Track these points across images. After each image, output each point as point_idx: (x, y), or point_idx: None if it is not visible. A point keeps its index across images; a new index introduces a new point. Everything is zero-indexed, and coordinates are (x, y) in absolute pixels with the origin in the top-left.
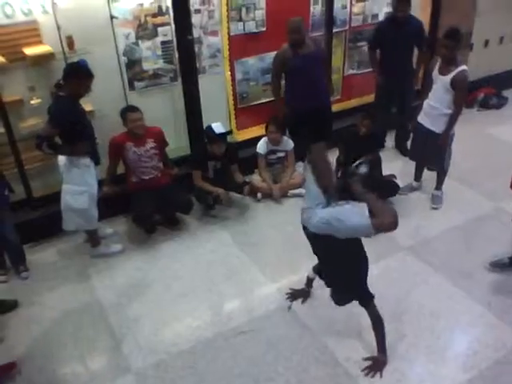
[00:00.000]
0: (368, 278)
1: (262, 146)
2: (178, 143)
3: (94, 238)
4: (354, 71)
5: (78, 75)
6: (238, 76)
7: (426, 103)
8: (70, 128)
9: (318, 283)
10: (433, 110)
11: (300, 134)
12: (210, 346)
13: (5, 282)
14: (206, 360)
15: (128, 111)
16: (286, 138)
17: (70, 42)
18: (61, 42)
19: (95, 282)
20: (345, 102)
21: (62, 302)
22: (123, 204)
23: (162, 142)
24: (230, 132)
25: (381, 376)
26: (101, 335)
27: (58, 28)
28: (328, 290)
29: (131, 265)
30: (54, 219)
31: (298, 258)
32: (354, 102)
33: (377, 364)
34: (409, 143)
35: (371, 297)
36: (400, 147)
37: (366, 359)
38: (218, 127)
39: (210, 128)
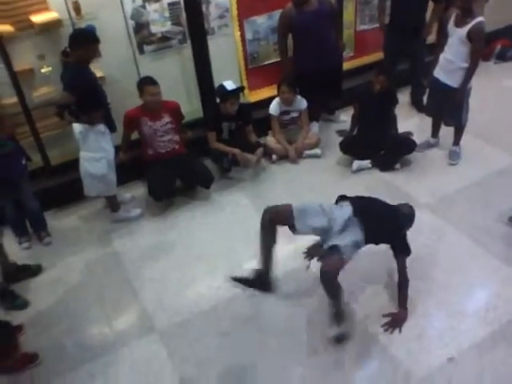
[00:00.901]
0: None
1: (274, 107)
2: (189, 106)
3: (113, 203)
4: (367, 26)
5: (83, 41)
6: (248, 36)
7: (441, 57)
8: (83, 95)
9: None
10: (449, 64)
11: (310, 93)
12: (231, 306)
13: (28, 248)
14: (227, 319)
15: (146, 84)
16: (299, 97)
17: (77, 8)
18: (67, 8)
19: (117, 246)
20: (358, 58)
21: (85, 265)
22: (140, 169)
23: (178, 116)
24: (242, 88)
25: (400, 331)
26: (125, 296)
27: None
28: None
29: (151, 228)
30: (73, 186)
31: None
32: (367, 59)
33: (397, 320)
34: (425, 99)
35: (409, 252)
36: (416, 104)
37: (386, 315)
38: (230, 84)
39: (221, 86)
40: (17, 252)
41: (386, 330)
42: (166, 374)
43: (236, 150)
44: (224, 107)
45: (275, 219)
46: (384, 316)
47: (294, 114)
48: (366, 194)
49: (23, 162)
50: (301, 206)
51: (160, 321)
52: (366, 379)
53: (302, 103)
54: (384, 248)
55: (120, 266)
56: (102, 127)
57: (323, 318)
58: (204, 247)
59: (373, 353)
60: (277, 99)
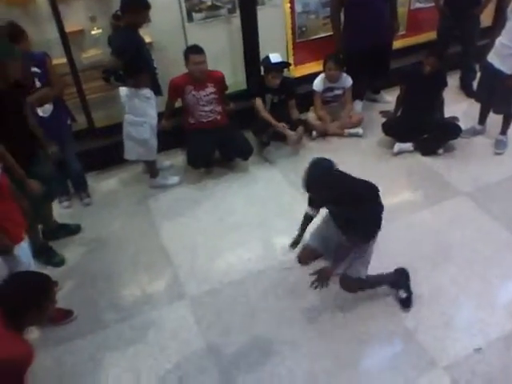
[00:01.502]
0: (421, 220)
1: (318, 84)
2: (234, 78)
3: (152, 169)
4: (422, 5)
5: (134, 6)
6: (298, 8)
7: (497, 41)
8: (131, 58)
9: None
10: (504, 49)
11: (357, 71)
12: (260, 278)
13: (69, 208)
14: (256, 291)
15: (192, 52)
16: (344, 74)
17: None
18: None
19: (153, 211)
20: (410, 37)
21: (122, 228)
22: (181, 138)
23: (222, 87)
24: (287, 64)
25: (326, 286)
26: (158, 262)
27: None
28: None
29: (187, 196)
30: (116, 149)
31: None
32: (419, 38)
33: (321, 275)
34: (475, 84)
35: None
36: (465, 88)
37: (312, 274)
38: (276, 57)
39: (266, 57)
40: (57, 210)
41: (315, 288)
42: (192, 339)
43: (280, 125)
44: (267, 79)
45: None
46: (311, 274)
47: (338, 92)
48: (406, 178)
49: (68, 122)
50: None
51: (190, 288)
52: (390, 362)
53: (347, 81)
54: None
55: (155, 232)
56: (147, 92)
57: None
58: (237, 219)
59: (398, 336)
60: (322, 75)
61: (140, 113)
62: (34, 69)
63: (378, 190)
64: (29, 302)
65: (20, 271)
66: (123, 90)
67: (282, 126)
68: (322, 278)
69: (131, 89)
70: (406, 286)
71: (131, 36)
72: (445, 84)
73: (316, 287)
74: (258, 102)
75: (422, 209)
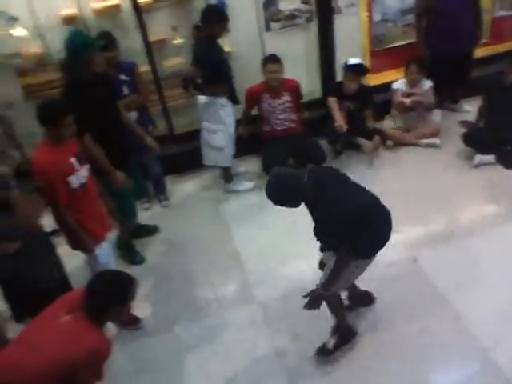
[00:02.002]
0: (502, 236)
1: (398, 85)
2: (309, 86)
3: (227, 174)
4: (505, 13)
5: (214, 18)
6: (376, 17)
7: None
8: (210, 68)
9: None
10: None
11: (437, 78)
12: None
13: (148, 209)
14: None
15: (268, 61)
16: (424, 79)
17: None
18: None
19: (227, 216)
20: (492, 46)
21: (197, 230)
22: (257, 144)
23: (297, 95)
24: (365, 69)
25: (318, 308)
26: (230, 265)
27: None
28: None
29: (260, 203)
30: (193, 154)
31: (425, 211)
32: (502, 47)
33: (312, 298)
34: None
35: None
36: None
37: (305, 296)
38: (354, 60)
39: (345, 62)
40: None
41: (308, 309)
42: (261, 343)
43: (339, 121)
44: (344, 85)
45: None
46: (304, 297)
47: (420, 97)
48: (487, 191)
49: (150, 129)
50: None
51: (260, 293)
52: (464, 380)
53: (427, 85)
54: None
55: (228, 236)
56: (224, 101)
57: (426, 313)
58: (310, 225)
59: (472, 354)
60: (401, 81)
61: (217, 120)
62: (123, 77)
63: (366, 209)
64: (112, 298)
65: (106, 270)
66: (201, 98)
67: (340, 126)
68: (312, 300)
69: (209, 97)
70: (344, 340)
71: (211, 46)
72: None
73: (309, 309)
74: (332, 99)
75: (504, 224)
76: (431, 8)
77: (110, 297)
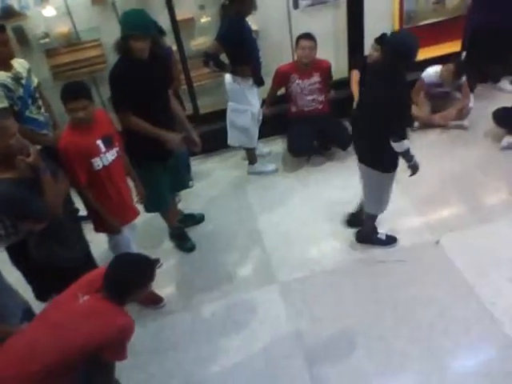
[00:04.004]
0: None
1: (430, 75)
2: (336, 66)
3: (251, 155)
4: None
5: None
6: None
7: None
8: (236, 47)
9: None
10: None
11: (478, 54)
12: (352, 270)
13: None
14: (346, 282)
15: (301, 37)
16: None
17: None
18: None
19: (250, 197)
20: None
21: (220, 210)
22: (282, 126)
23: (327, 77)
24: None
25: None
26: (253, 245)
27: None
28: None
29: (284, 184)
30: (219, 135)
31: (451, 194)
32: None
33: None
34: None
35: None
36: None
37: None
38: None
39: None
40: None
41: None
42: (281, 324)
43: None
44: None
45: None
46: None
47: (447, 89)
48: None
49: None
50: None
51: (281, 274)
52: (485, 364)
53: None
54: None
55: (252, 216)
56: (250, 81)
57: (448, 299)
58: (331, 209)
59: (494, 339)
60: (437, 69)
61: (242, 100)
62: None
63: None
64: (131, 280)
65: (126, 252)
66: (228, 78)
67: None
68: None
69: (235, 77)
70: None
71: (238, 24)
72: None
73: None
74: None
75: None
76: None
77: (130, 278)
